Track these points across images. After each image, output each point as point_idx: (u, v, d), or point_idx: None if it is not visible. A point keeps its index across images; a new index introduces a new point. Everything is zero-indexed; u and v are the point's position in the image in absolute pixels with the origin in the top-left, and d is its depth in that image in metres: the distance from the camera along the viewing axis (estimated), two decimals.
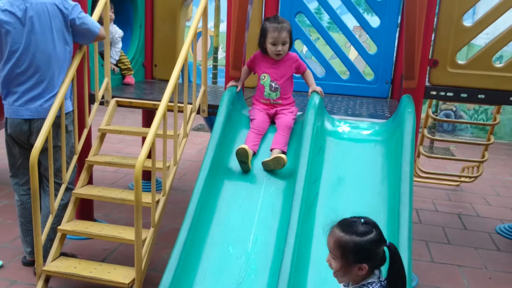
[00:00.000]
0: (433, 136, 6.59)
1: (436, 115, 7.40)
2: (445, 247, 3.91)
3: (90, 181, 3.32)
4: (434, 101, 7.08)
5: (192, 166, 5.80)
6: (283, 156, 2.71)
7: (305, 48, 7.76)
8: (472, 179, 5.22)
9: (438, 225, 4.36)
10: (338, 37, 4.42)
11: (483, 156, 4.77)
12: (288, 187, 2.74)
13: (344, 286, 1.84)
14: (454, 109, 8.26)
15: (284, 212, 2.62)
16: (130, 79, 4.18)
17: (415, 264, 3.54)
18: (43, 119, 2.86)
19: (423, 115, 5.00)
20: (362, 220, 1.70)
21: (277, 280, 2.22)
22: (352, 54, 7.08)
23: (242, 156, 2.68)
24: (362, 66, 5.75)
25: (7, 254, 3.34)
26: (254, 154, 2.84)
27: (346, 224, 1.71)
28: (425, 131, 4.97)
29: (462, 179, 5.37)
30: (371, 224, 1.69)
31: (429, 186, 5.49)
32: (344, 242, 1.66)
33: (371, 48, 4.34)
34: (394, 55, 4.13)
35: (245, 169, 2.76)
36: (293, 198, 2.52)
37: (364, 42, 5.04)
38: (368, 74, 4.30)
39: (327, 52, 4.47)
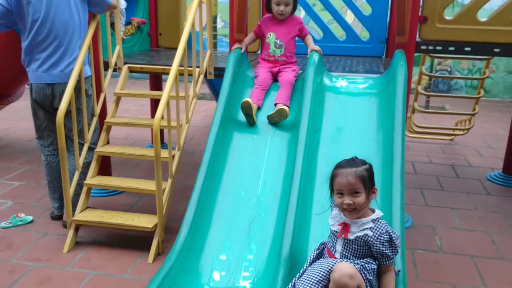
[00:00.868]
0: (429, 97, 6.85)
1: None
2: (438, 193, 4.21)
3: (108, 142, 3.59)
4: (428, 62, 7.31)
5: (198, 131, 6.08)
6: (285, 107, 2.97)
7: (302, 13, 7.94)
8: (465, 131, 5.49)
9: (432, 175, 4.66)
10: (334, 3, 4.63)
11: (474, 109, 5.03)
12: (292, 138, 3.00)
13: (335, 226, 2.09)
14: (448, 69, 8.47)
15: (289, 160, 2.89)
16: (140, 19, 4.51)
17: (410, 208, 3.87)
18: (65, 83, 3.12)
19: (416, 77, 5.22)
20: (354, 156, 2.07)
21: (285, 216, 2.51)
22: (349, 18, 7.26)
23: (247, 109, 2.95)
24: (359, 30, 5.95)
25: (36, 211, 3.65)
26: (259, 108, 3.11)
27: (349, 163, 2.03)
28: (419, 88, 5.21)
29: (456, 132, 5.64)
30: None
31: (424, 141, 5.78)
32: (361, 173, 1.98)
33: (366, 12, 4.55)
34: (388, 15, 4.35)
35: (251, 122, 3.03)
36: (297, 145, 2.79)
37: (360, 7, 5.21)
38: (365, 37, 4.53)
39: (324, 17, 4.69)
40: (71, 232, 3.12)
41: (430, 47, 3.32)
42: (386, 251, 1.97)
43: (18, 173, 4.47)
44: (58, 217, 3.49)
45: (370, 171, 2.02)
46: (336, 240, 2.08)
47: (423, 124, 6.04)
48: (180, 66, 3.19)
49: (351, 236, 2.02)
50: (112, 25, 3.84)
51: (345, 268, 1.87)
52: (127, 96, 3.57)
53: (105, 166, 3.86)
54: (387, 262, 2.01)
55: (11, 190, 4.08)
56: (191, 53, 3.40)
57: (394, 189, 2.52)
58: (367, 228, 1.99)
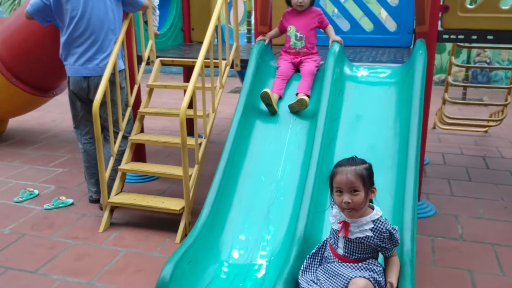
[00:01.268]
0: (466, 89, 6.73)
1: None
2: (465, 184, 4.19)
3: (141, 131, 3.82)
4: (466, 54, 7.18)
5: (230, 124, 6.25)
6: (305, 97, 3.09)
7: (336, 9, 7.96)
8: (498, 122, 5.40)
9: (462, 166, 4.63)
10: None
11: (506, 100, 4.95)
12: (312, 126, 3.11)
13: (336, 225, 2.12)
14: (488, 60, 8.26)
15: (308, 147, 3.00)
16: None
17: (435, 197, 3.89)
18: (100, 76, 3.36)
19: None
20: (354, 156, 2.11)
21: (301, 199, 2.63)
22: (383, 13, 7.22)
23: (266, 99, 3.08)
24: (392, 25, 5.95)
25: (76, 195, 3.94)
26: (280, 98, 3.23)
27: (349, 161, 2.08)
28: (450, 79, 5.17)
29: (489, 123, 5.55)
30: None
31: (458, 133, 5.71)
32: (360, 171, 2.02)
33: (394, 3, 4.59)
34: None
35: (272, 111, 3.16)
36: (315, 132, 2.90)
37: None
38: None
39: (357, 12, 4.73)
40: (106, 214, 3.37)
41: (452, 36, 3.33)
42: (387, 246, 2.05)
43: (61, 161, 4.81)
44: (95, 201, 3.76)
45: (369, 170, 2.05)
46: (338, 238, 2.12)
47: (458, 116, 5.97)
48: (209, 59, 3.36)
49: (351, 236, 2.05)
50: (145, 22, 4.06)
51: (362, 283, 1.97)
52: (158, 88, 3.79)
53: (140, 154, 4.10)
54: (389, 253, 2.09)
55: (55, 176, 4.40)
56: (224, 46, 3.55)
57: (408, 177, 2.59)
58: (367, 229, 2.02)
